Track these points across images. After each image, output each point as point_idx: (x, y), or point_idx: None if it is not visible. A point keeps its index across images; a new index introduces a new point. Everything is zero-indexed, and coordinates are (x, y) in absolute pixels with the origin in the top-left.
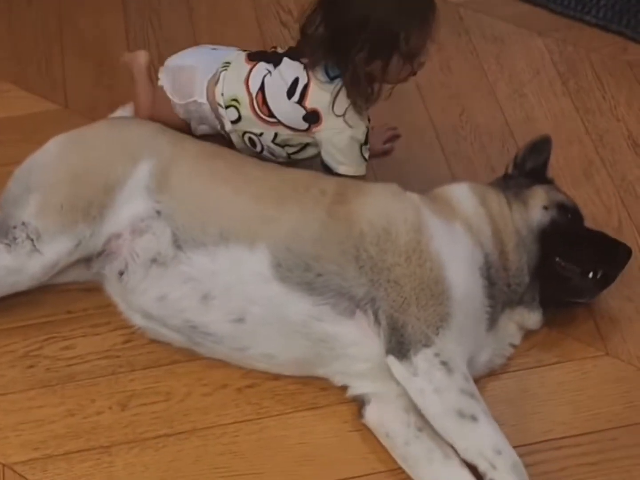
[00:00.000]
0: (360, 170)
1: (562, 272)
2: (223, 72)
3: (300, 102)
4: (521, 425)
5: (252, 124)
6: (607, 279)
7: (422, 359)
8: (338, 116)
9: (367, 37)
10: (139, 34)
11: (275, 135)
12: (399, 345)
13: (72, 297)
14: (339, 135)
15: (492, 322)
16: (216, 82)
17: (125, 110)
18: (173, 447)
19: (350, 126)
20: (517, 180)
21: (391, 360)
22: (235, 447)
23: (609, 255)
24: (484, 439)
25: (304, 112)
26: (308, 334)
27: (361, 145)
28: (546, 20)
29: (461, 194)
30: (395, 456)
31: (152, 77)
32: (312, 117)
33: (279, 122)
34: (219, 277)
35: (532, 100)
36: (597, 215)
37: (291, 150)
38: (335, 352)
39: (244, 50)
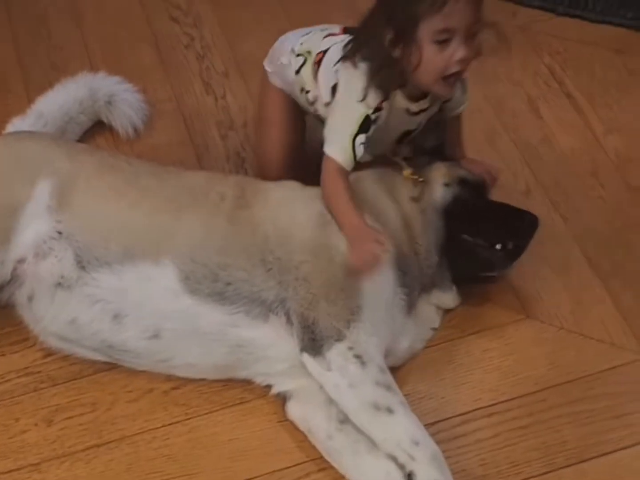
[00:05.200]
0: (346, 160)
1: (470, 248)
2: (314, 30)
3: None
4: (451, 396)
5: (308, 79)
6: (517, 250)
7: (335, 353)
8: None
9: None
10: (29, 45)
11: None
12: (312, 342)
13: None
14: (334, 112)
15: (410, 308)
16: (304, 35)
17: (15, 125)
18: (104, 457)
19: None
20: (417, 160)
21: (305, 357)
22: (167, 451)
23: (515, 226)
24: (401, 431)
25: (334, 82)
26: (225, 341)
27: (354, 135)
28: None
29: (367, 185)
30: (320, 450)
31: None
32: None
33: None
34: (128, 296)
35: None
36: (504, 182)
37: None
38: (255, 356)
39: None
